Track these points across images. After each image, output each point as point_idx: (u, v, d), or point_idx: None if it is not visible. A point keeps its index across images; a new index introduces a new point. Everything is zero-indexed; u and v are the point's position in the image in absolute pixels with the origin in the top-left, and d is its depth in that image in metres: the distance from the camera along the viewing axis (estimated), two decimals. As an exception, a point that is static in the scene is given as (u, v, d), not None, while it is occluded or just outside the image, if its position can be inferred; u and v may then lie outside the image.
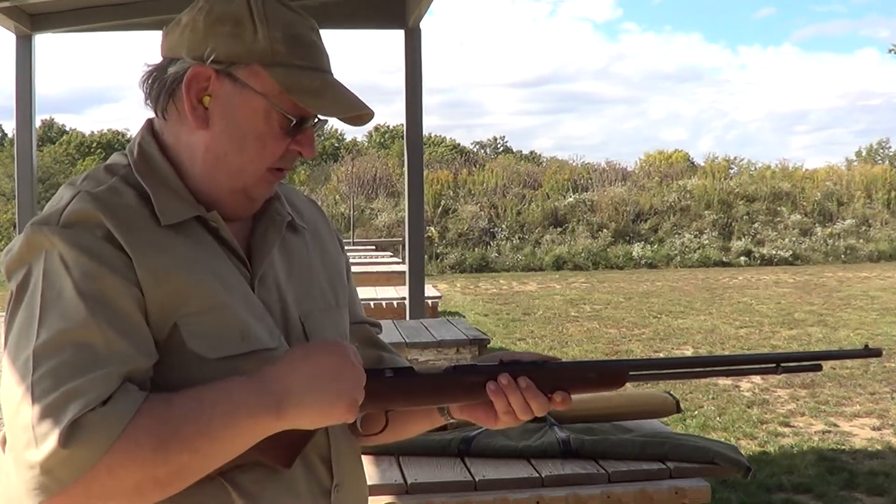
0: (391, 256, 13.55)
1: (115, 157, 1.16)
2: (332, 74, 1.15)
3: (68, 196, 1.06)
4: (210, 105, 1.10)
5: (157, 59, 1.14)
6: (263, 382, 1.02)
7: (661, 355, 8.62)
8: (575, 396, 1.16)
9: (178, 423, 0.97)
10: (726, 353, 8.66)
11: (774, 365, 1.16)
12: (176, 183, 1.11)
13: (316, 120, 1.15)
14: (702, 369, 1.19)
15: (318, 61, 1.13)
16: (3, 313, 1.05)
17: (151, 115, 1.16)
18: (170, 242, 1.07)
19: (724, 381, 7.35)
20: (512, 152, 38.58)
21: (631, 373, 1.16)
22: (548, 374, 1.14)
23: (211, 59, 1.08)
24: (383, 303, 7.43)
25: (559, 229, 21.29)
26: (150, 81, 1.13)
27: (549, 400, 1.14)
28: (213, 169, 1.12)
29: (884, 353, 7.55)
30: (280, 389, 1.02)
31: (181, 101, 1.10)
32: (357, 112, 1.13)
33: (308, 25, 1.13)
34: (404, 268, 7.41)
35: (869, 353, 1.14)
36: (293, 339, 1.16)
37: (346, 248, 1.39)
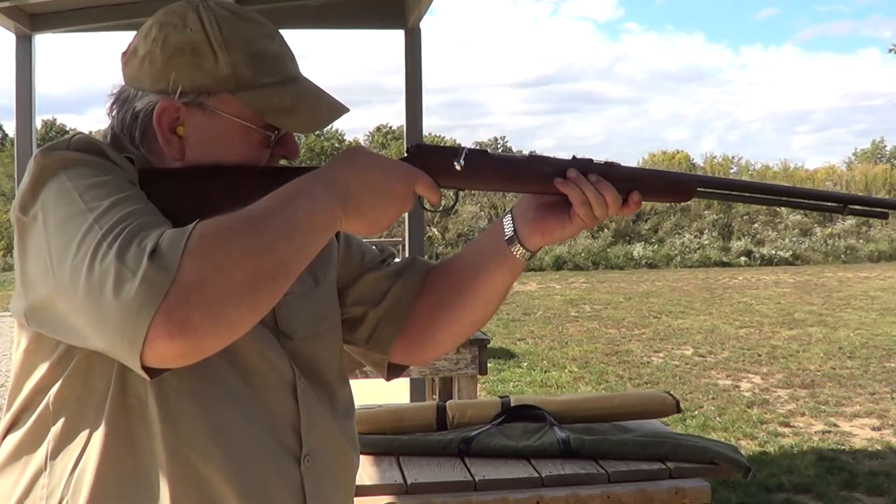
0: (391, 256, 13.52)
1: None
2: (300, 77, 1.12)
3: (66, 137, 1.02)
4: (184, 133, 1.08)
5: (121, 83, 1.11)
6: (329, 180, 1.01)
7: (661, 355, 8.64)
8: (576, 396, 1.16)
9: (265, 216, 0.94)
10: (726, 353, 8.66)
11: (841, 205, 1.17)
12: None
13: None
14: (768, 196, 1.19)
15: (284, 71, 1.10)
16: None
17: None
18: None
19: (723, 382, 7.35)
20: (512, 153, 38.54)
21: (699, 188, 1.16)
22: (619, 174, 1.14)
23: (177, 92, 1.05)
24: (383, 303, 7.41)
25: (559, 229, 21.31)
26: (116, 114, 1.11)
27: (623, 200, 1.14)
28: None
29: (885, 350, 7.46)
30: (343, 189, 1.01)
31: (153, 134, 1.08)
32: (333, 119, 1.11)
33: (267, 34, 1.10)
34: (404, 268, 7.38)
35: None
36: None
37: None
